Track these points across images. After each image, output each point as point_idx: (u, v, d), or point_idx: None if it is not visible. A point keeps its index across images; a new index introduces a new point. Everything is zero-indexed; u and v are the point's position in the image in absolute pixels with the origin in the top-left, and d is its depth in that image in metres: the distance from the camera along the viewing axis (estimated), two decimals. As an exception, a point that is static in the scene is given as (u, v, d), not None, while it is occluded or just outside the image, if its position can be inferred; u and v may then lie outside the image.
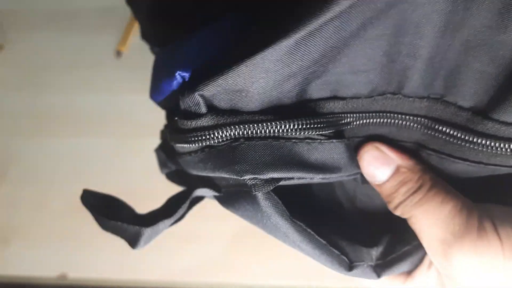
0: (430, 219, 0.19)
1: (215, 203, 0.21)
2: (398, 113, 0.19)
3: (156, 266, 0.39)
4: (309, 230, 0.20)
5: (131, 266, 0.39)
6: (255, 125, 0.18)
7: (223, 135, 0.17)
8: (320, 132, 0.18)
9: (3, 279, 0.40)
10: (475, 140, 0.18)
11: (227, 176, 0.18)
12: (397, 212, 0.20)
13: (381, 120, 0.20)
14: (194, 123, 0.18)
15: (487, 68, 0.17)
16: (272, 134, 0.18)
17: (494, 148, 0.18)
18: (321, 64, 0.17)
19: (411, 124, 0.19)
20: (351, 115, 0.19)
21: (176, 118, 0.18)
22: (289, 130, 0.18)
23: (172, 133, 0.19)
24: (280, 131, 0.18)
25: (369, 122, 0.19)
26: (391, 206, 0.21)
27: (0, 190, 0.42)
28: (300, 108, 0.18)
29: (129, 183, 0.39)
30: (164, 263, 0.39)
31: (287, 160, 0.18)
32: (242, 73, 0.16)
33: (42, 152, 0.42)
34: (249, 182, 0.18)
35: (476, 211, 0.19)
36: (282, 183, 0.18)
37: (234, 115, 0.18)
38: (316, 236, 0.20)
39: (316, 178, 0.19)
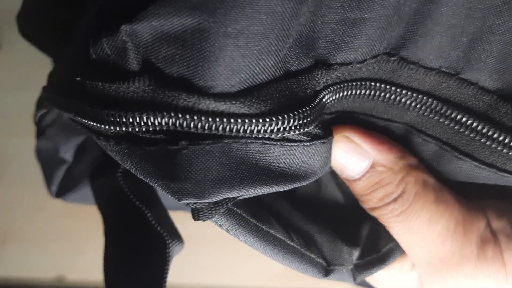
0: (414, 239, 0.15)
1: None
2: (391, 83, 0.14)
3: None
4: (278, 235, 0.16)
5: (129, 268, 0.39)
6: (217, 119, 0.11)
7: (157, 124, 0.11)
8: (304, 130, 0.13)
9: (2, 280, 0.40)
10: (493, 134, 0.13)
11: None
12: (373, 214, 0.17)
13: (365, 92, 0.14)
14: (110, 88, 0.11)
15: None
16: (235, 134, 0.12)
17: None
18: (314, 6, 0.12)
19: (407, 101, 0.14)
20: (332, 90, 0.14)
21: (78, 76, 0.11)
22: (269, 131, 0.12)
23: (66, 96, 0.12)
24: (255, 131, 0.12)
25: (349, 94, 0.14)
26: (364, 207, 0.17)
27: (-3, 191, 0.42)
28: (282, 90, 0.12)
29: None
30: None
31: (249, 172, 0.13)
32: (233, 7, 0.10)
33: (40, 153, 0.42)
34: (192, 206, 0.13)
35: (476, 226, 0.15)
36: (240, 197, 0.14)
37: (185, 92, 0.11)
38: (287, 241, 0.16)
39: (282, 189, 0.14)
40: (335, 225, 0.18)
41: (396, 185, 0.15)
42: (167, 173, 0.12)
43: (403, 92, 0.14)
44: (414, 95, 0.14)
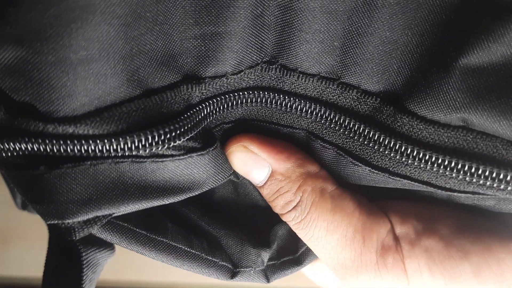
0: (317, 247, 0.15)
1: None
2: (278, 91, 0.14)
3: (156, 267, 0.39)
4: (174, 243, 0.16)
5: (130, 267, 0.39)
6: (67, 142, 0.11)
7: (16, 149, 0.11)
8: (173, 145, 0.13)
9: (2, 280, 0.40)
10: (379, 138, 0.13)
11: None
12: (283, 219, 0.17)
13: (255, 99, 0.15)
14: None
15: (401, 37, 0.13)
16: (94, 155, 0.12)
17: (404, 154, 0.13)
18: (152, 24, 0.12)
19: (297, 107, 0.14)
20: (213, 102, 0.14)
21: None
22: (123, 149, 0.12)
23: None
24: (111, 150, 0.12)
25: (238, 103, 0.14)
26: (273, 209, 0.17)
27: (-1, 191, 0.42)
28: (139, 110, 0.12)
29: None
30: (163, 263, 0.39)
31: (120, 189, 0.13)
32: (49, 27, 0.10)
33: (41, 152, 0.42)
34: (62, 226, 0.13)
35: (376, 233, 0.14)
36: (118, 213, 0.13)
37: (33, 118, 0.11)
38: (184, 248, 0.16)
39: (166, 202, 0.14)
40: (246, 227, 0.18)
41: (293, 194, 0.15)
42: (33, 196, 0.12)
43: (291, 99, 0.14)
44: (302, 101, 0.14)
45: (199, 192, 0.15)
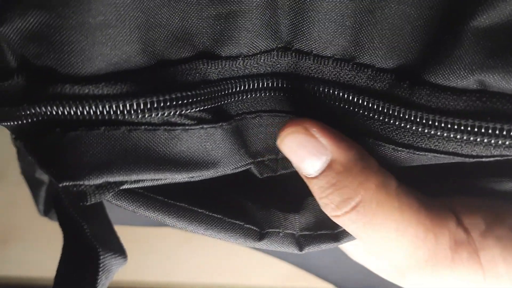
0: (383, 250, 0.14)
1: None
2: (295, 76, 0.15)
3: (156, 267, 0.39)
4: (193, 208, 0.16)
5: (130, 267, 0.39)
6: (83, 102, 0.12)
7: (35, 113, 0.12)
8: (185, 112, 0.13)
9: (2, 279, 0.40)
10: (400, 113, 0.13)
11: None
12: (338, 223, 0.15)
13: (272, 85, 0.15)
14: None
15: (411, 11, 0.13)
16: (109, 118, 0.13)
17: (426, 125, 0.13)
18: None
19: (313, 92, 0.14)
20: (230, 83, 0.14)
21: None
22: (136, 111, 0.13)
23: None
24: (125, 112, 0.13)
25: (256, 88, 0.15)
26: (327, 213, 0.15)
27: (-1, 190, 0.42)
28: (154, 77, 0.13)
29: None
30: (164, 263, 0.39)
31: (133, 156, 0.13)
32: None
33: (41, 152, 0.42)
34: (74, 190, 0.13)
35: (447, 228, 0.14)
36: (128, 186, 0.14)
37: (51, 80, 0.12)
38: (206, 213, 0.16)
39: (180, 178, 0.14)
40: (270, 196, 0.18)
41: (353, 191, 0.14)
42: (47, 159, 0.13)
43: (309, 84, 0.14)
44: (321, 85, 0.14)
45: (213, 173, 0.15)
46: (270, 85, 0.15)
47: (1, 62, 0.12)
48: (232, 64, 0.14)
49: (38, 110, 0.12)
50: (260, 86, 0.15)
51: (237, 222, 0.16)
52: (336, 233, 0.17)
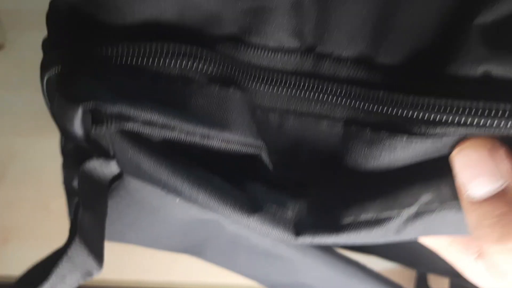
0: None
1: None
2: (315, 75, 0.16)
3: (156, 266, 0.39)
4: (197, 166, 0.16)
5: (130, 266, 0.39)
6: (114, 43, 0.15)
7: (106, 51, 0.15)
8: (203, 69, 0.15)
9: (2, 279, 0.40)
10: (415, 102, 0.14)
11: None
12: (486, 258, 0.14)
13: (295, 83, 0.16)
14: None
15: (422, 12, 0.14)
16: (135, 62, 0.15)
17: (441, 110, 0.14)
18: None
19: (334, 91, 0.15)
20: (254, 69, 0.16)
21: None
22: (154, 55, 0.14)
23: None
24: (146, 54, 0.14)
25: (279, 83, 0.16)
26: (479, 243, 0.14)
27: (-1, 190, 0.42)
28: (186, 35, 0.15)
29: (129, 183, 0.39)
30: (164, 263, 0.39)
31: (146, 93, 0.15)
32: None
33: (42, 152, 0.42)
34: (90, 108, 0.15)
35: None
36: (139, 127, 0.15)
37: (96, 29, 0.15)
38: (206, 173, 0.16)
39: (189, 128, 0.15)
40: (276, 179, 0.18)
41: None
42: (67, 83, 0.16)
43: (330, 83, 0.15)
44: (339, 85, 0.15)
45: (221, 134, 0.15)
46: (290, 83, 0.16)
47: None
48: (257, 51, 0.16)
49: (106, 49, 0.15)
50: (281, 81, 0.16)
51: (232, 192, 0.16)
52: (339, 226, 0.16)
